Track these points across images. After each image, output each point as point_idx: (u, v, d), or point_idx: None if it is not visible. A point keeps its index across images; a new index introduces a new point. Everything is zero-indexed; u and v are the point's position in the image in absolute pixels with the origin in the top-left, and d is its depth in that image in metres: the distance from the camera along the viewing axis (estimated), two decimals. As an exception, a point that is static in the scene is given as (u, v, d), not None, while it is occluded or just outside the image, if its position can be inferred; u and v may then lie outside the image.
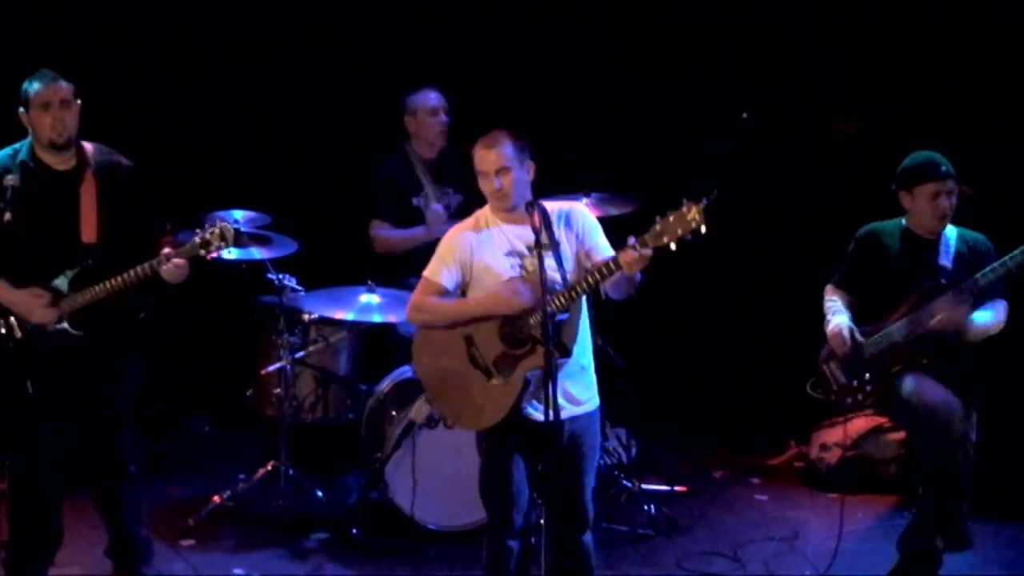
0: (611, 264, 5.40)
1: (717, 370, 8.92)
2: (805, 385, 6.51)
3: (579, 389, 5.71)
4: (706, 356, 8.98)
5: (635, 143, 8.67)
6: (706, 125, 8.31)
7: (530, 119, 7.40)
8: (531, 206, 5.55)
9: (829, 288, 6.45)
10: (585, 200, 7.39)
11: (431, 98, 7.76)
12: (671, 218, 5.30)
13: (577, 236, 5.69)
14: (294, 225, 7.56)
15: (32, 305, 5.92)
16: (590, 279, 5.46)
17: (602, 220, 6.59)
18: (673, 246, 5.26)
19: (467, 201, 7.55)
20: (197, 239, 5.95)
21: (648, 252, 5.31)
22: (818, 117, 8.27)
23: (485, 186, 5.61)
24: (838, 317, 6.32)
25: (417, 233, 7.59)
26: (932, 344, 6.22)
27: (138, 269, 5.91)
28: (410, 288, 7.03)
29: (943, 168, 6.21)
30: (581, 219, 5.72)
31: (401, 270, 7.67)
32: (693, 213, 5.25)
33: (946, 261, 6.25)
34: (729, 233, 7.84)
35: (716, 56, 8.55)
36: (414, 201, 7.78)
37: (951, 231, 6.33)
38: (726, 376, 8.87)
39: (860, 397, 6.34)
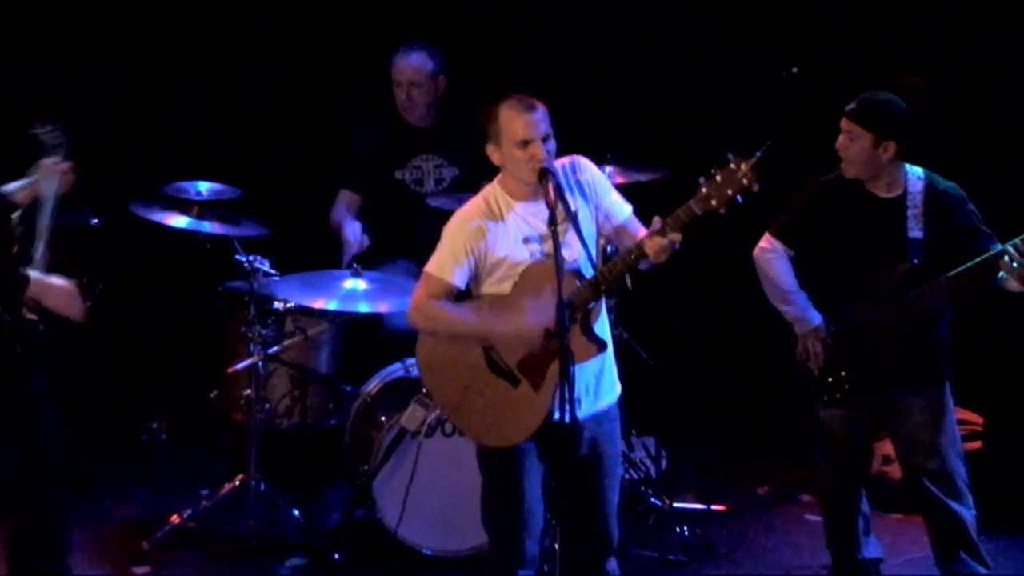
0: (635, 253, 5.35)
1: (761, 369, 8.52)
2: (803, 397, 6.56)
3: (607, 380, 5.66)
4: (748, 353, 8.78)
5: (662, 99, 8.58)
6: (744, 80, 8.26)
7: (542, 73, 7.99)
8: (544, 175, 5.43)
9: (769, 241, 6.43)
10: (608, 169, 7.29)
11: (399, 64, 7.68)
12: (718, 177, 5.20)
13: (591, 198, 5.62)
14: (267, 199, 7.51)
15: (71, 296, 5.90)
16: (616, 268, 5.40)
17: (629, 187, 6.92)
18: (723, 210, 5.19)
19: (463, 177, 7.60)
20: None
21: (677, 237, 5.26)
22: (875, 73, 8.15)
23: (524, 155, 5.45)
24: (809, 313, 6.39)
25: (343, 238, 7.59)
26: (908, 339, 6.27)
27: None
28: (392, 271, 7.40)
29: (848, 106, 6.30)
30: (590, 176, 5.65)
31: (383, 248, 7.63)
32: (744, 170, 5.17)
33: (917, 231, 6.27)
34: (776, 208, 7.77)
35: (753, 4, 8.57)
36: (396, 175, 7.72)
37: (915, 183, 6.31)
38: (772, 376, 8.22)
39: (838, 395, 6.39)
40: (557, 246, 5.34)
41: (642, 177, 7.31)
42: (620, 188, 6.35)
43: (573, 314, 5.38)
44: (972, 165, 6.38)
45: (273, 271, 7.26)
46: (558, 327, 5.32)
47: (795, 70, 7.41)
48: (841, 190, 6.31)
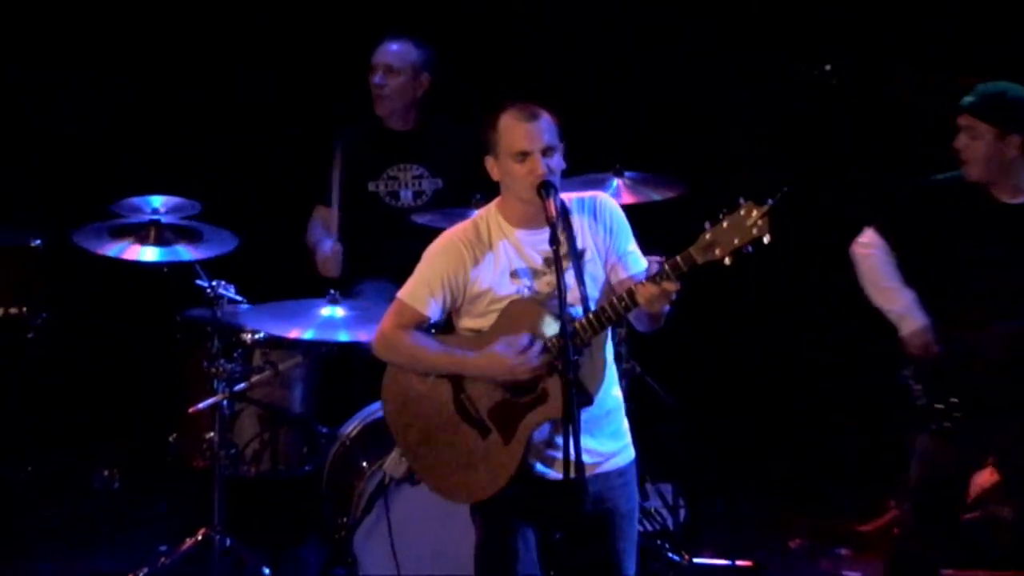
0: (626, 299, 5.25)
1: (791, 406, 8.60)
2: (905, 424, 6.40)
3: (604, 439, 5.49)
4: (776, 387, 8.66)
5: (677, 109, 8.47)
6: (754, 81, 8.23)
7: (542, 74, 8.03)
8: (544, 188, 5.26)
9: (871, 237, 6.34)
10: (616, 181, 7.18)
11: (379, 48, 7.61)
12: (725, 224, 5.10)
13: (605, 240, 5.48)
14: (233, 215, 7.39)
15: None
16: (603, 316, 5.29)
17: (638, 208, 6.82)
18: (728, 260, 5.09)
19: (448, 189, 7.49)
20: None
21: (672, 287, 5.15)
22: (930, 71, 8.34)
23: (523, 168, 5.32)
24: (915, 311, 6.25)
25: (316, 249, 7.55)
26: None
27: None
28: (373, 295, 7.40)
29: (964, 99, 6.25)
30: (608, 216, 5.50)
31: (363, 270, 7.56)
32: (754, 217, 5.05)
33: None
34: (810, 227, 7.85)
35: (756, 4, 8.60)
36: (370, 186, 7.60)
37: None
38: (803, 413, 8.57)
39: (947, 424, 6.22)
40: (559, 267, 5.19)
41: (656, 195, 7.20)
42: (629, 209, 6.29)
43: (554, 361, 5.25)
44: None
45: (239, 297, 7.13)
46: (563, 359, 5.13)
47: (828, 68, 7.46)
48: (959, 191, 6.20)
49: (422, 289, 5.43)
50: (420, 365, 5.47)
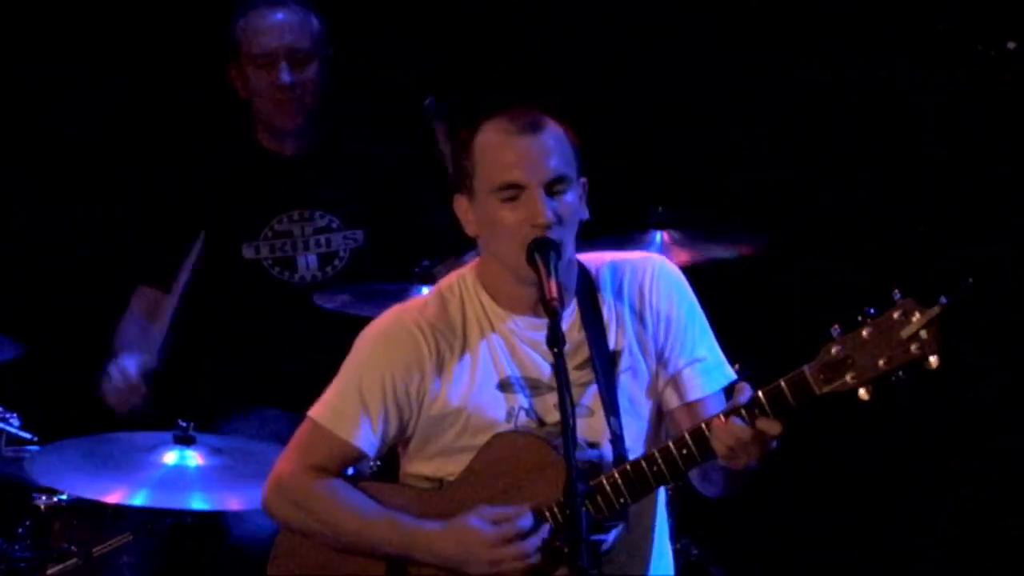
0: (690, 445, 4.69)
1: None
2: None
3: None
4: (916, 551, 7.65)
5: (747, 125, 7.83)
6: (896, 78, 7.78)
7: (563, 91, 7.73)
8: (540, 249, 4.64)
9: None
10: (659, 235, 6.52)
11: (262, 23, 6.54)
12: (866, 332, 4.54)
13: (658, 338, 4.86)
14: (15, 309, 7.09)
15: None
16: (651, 469, 4.73)
17: (696, 271, 6.31)
18: (866, 394, 4.53)
19: (371, 247, 6.73)
20: None
21: (773, 428, 4.57)
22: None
23: (513, 215, 4.73)
24: None
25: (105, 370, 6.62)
26: None
27: None
28: (249, 430, 6.85)
29: None
30: (669, 295, 4.91)
31: (230, 391, 6.76)
32: (915, 325, 4.51)
33: None
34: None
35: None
36: (247, 251, 6.65)
37: None
38: None
39: None
40: (562, 382, 4.46)
41: (723, 251, 6.49)
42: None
43: (557, 535, 4.62)
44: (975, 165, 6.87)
45: (27, 434, 6.37)
46: (571, 540, 4.48)
47: (1012, 45, 7.20)
48: None
49: (350, 404, 4.77)
50: (339, 534, 4.80)
